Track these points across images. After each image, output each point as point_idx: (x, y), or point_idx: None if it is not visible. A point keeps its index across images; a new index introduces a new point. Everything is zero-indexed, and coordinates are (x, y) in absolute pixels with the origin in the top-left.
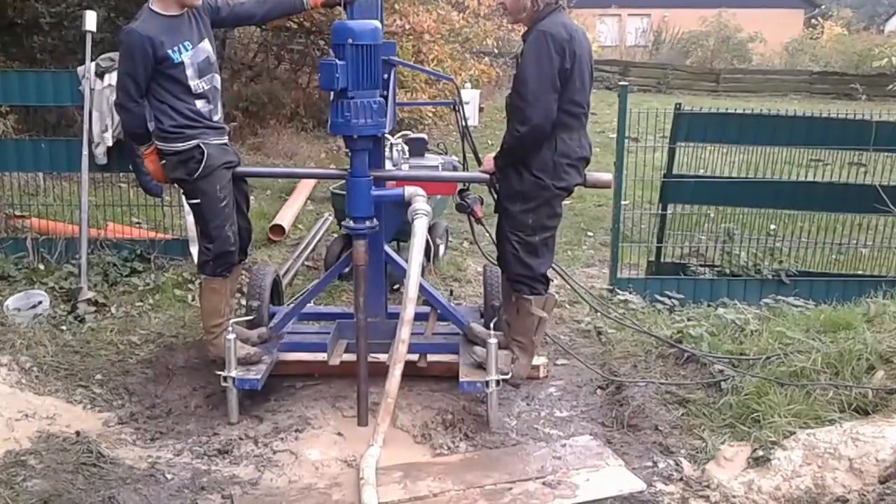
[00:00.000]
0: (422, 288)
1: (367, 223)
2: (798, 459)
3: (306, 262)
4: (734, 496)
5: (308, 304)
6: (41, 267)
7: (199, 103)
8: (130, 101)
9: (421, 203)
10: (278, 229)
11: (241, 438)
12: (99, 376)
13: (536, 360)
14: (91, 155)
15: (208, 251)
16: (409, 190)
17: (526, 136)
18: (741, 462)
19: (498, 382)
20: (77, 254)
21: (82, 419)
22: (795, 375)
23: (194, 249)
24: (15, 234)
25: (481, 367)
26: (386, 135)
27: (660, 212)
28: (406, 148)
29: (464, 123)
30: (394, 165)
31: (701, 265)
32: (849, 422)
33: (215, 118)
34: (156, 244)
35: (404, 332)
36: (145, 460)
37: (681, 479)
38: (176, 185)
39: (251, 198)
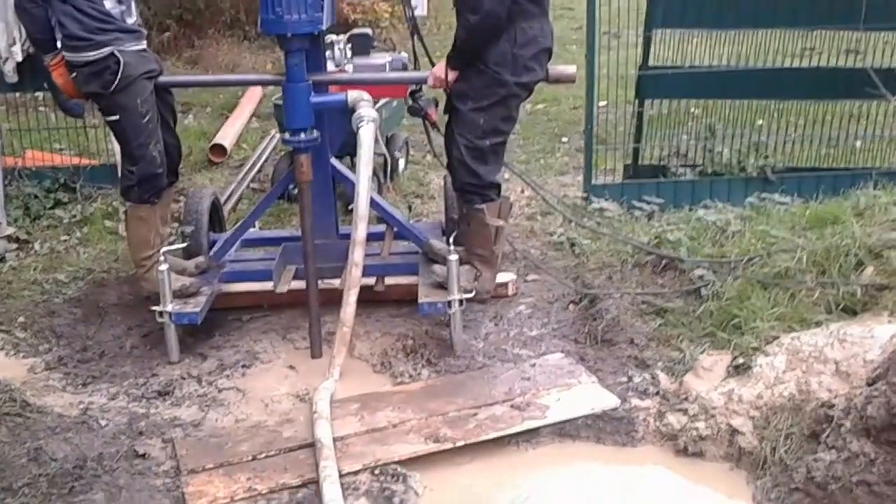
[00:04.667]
0: (375, 204)
1: (306, 135)
2: (781, 365)
3: (252, 185)
4: (713, 407)
5: (252, 229)
6: None
7: (108, 3)
8: (28, 0)
9: (366, 109)
10: (219, 149)
11: (182, 378)
12: (21, 319)
13: (504, 277)
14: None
15: (132, 175)
16: (353, 95)
17: (478, 26)
18: (721, 372)
19: (461, 302)
20: None
21: (5, 366)
22: (779, 276)
23: None
24: None
25: (442, 286)
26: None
27: (637, 109)
28: (348, 46)
29: (411, 14)
30: (336, 66)
31: (682, 166)
32: (836, 323)
33: (129, 20)
34: (81, 171)
35: (357, 255)
36: (76, 407)
37: (657, 393)
38: (91, 101)
39: (189, 116)
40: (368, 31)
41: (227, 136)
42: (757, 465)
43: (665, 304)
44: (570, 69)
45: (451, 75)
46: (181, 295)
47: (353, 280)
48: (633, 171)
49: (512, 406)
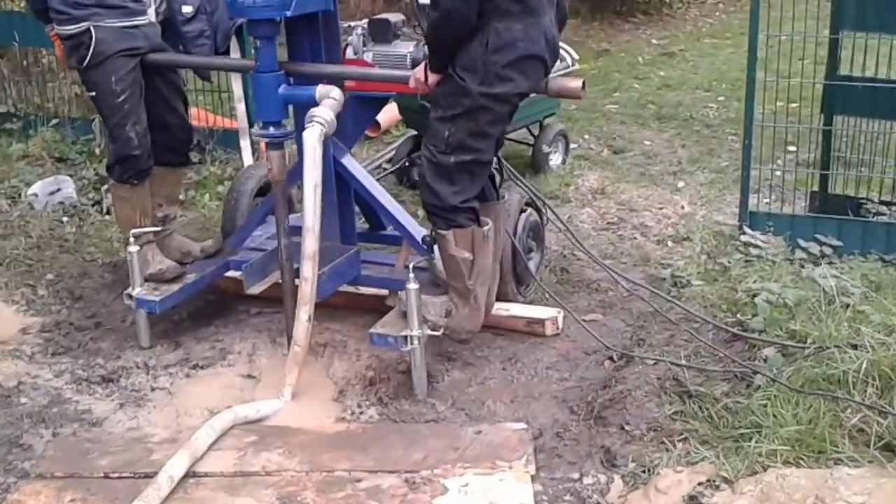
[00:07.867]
0: (380, 207)
1: (275, 129)
2: None
3: (384, 164)
4: None
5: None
6: (97, 151)
7: None
8: None
9: (322, 108)
10: (374, 124)
11: (136, 367)
12: (50, 276)
13: (544, 313)
14: None
15: (111, 153)
16: (321, 90)
17: (439, 23)
18: (675, 498)
19: (418, 339)
20: None
21: (5, 323)
22: (836, 382)
23: (244, 142)
24: (86, 115)
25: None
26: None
27: (822, 126)
28: (365, 33)
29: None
30: (354, 54)
31: (882, 202)
32: (845, 467)
33: None
34: (215, 133)
35: (306, 269)
36: (18, 378)
37: None
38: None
39: None
40: (389, 17)
41: (388, 109)
42: None
43: (697, 386)
44: (574, 83)
45: (432, 78)
46: (156, 279)
47: (304, 296)
48: (819, 202)
49: (406, 480)
